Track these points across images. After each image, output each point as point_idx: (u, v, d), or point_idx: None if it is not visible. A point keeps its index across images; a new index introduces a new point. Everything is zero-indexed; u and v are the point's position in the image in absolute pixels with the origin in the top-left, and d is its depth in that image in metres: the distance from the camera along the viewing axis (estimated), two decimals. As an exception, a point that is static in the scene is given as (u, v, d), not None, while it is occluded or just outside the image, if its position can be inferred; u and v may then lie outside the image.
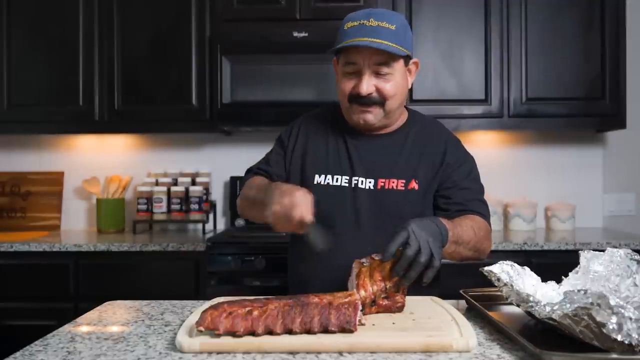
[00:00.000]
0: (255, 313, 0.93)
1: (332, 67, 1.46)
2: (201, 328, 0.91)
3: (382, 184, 1.38)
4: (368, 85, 1.32)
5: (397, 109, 1.39)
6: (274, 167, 1.48)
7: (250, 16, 2.55)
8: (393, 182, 1.38)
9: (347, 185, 1.40)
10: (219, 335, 0.91)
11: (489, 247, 1.37)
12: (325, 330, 0.93)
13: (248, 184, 1.45)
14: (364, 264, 1.07)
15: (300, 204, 1.15)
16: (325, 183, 1.41)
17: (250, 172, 1.53)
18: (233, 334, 0.91)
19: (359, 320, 0.97)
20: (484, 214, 1.39)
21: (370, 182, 1.39)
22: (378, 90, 1.33)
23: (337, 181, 1.40)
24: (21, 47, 2.65)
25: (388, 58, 1.31)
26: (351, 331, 0.94)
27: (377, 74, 1.32)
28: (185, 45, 2.60)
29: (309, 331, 0.93)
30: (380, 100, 1.34)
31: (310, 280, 1.40)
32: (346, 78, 1.36)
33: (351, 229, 1.38)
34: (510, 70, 2.58)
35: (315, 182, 1.41)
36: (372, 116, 1.36)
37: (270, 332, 0.93)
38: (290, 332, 0.93)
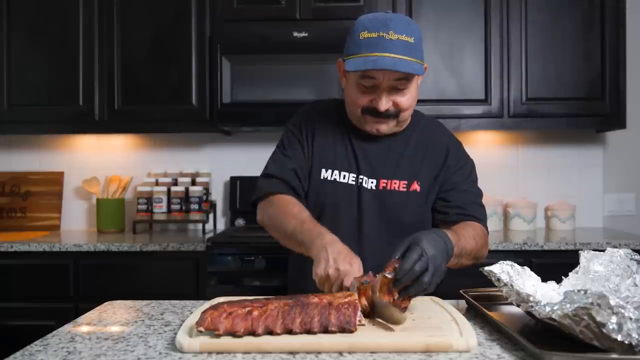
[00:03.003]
0: (255, 313, 0.93)
1: (332, 67, 1.44)
2: (201, 328, 0.91)
3: (384, 184, 1.38)
4: (387, 102, 1.30)
5: (409, 117, 1.39)
6: (300, 176, 1.39)
7: (250, 16, 2.55)
8: (395, 183, 1.38)
9: (353, 183, 1.39)
10: (219, 336, 0.91)
11: (486, 252, 1.38)
12: (325, 331, 0.93)
13: (280, 205, 1.34)
14: (364, 284, 1.04)
15: (354, 275, 1.10)
16: (332, 179, 1.39)
17: (271, 177, 1.40)
18: (233, 334, 0.91)
19: (359, 321, 0.97)
20: (482, 218, 1.39)
21: (372, 182, 1.38)
22: (395, 104, 1.31)
23: (344, 178, 1.39)
24: (21, 47, 2.65)
25: (408, 74, 1.27)
26: (351, 331, 0.94)
27: (395, 89, 1.29)
28: (185, 45, 2.60)
29: (309, 331, 0.93)
30: (395, 113, 1.33)
31: (310, 280, 1.39)
32: (361, 92, 1.31)
33: (354, 228, 1.37)
34: (510, 70, 2.58)
35: (322, 177, 1.40)
36: (386, 126, 1.35)
37: (270, 332, 0.93)
38: (290, 332, 0.93)
